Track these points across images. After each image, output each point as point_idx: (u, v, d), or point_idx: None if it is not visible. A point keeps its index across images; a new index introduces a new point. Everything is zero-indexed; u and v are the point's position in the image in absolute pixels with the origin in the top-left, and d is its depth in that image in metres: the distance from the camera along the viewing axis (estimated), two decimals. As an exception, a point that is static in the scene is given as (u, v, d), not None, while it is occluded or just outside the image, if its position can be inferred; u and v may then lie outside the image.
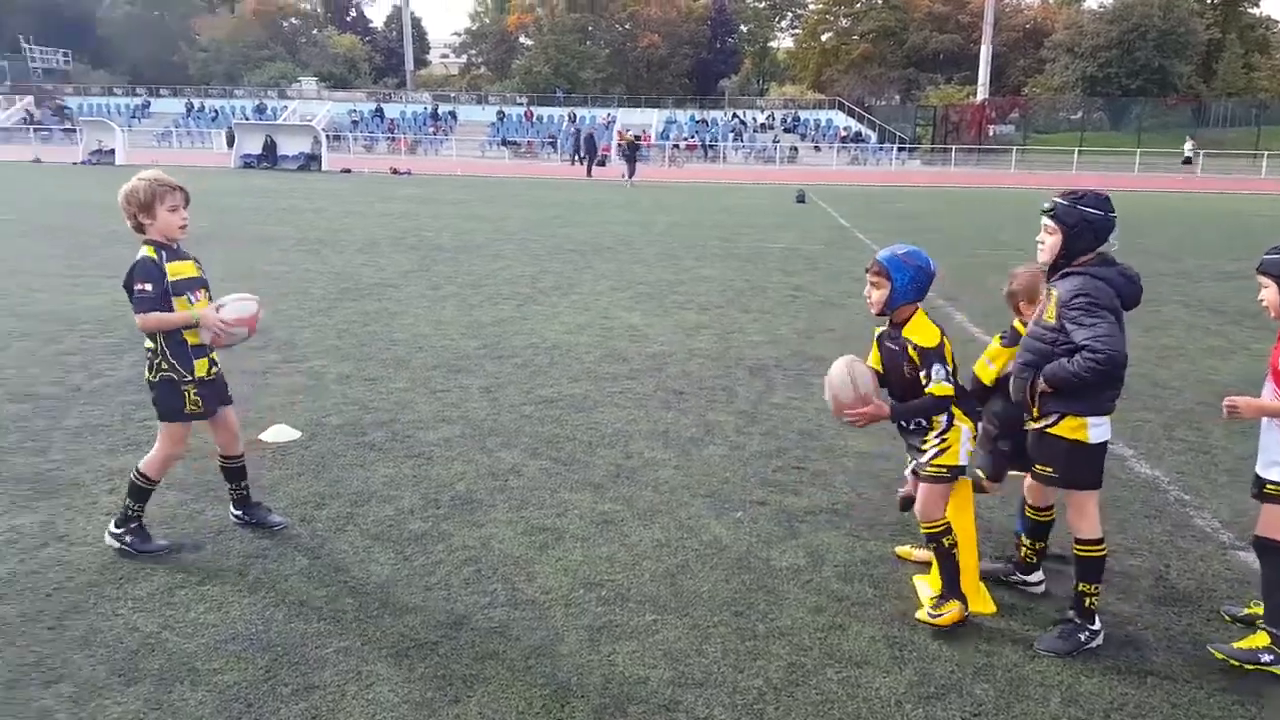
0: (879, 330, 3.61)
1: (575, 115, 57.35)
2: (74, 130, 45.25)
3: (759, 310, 9.55)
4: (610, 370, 7.04)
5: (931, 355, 3.28)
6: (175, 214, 3.66)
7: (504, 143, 54.23)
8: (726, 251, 14.51)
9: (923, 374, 3.30)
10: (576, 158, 46.38)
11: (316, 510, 4.30)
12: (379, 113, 58.87)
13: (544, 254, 13.66)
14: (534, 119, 58.57)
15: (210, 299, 3.79)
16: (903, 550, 3.99)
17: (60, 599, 3.47)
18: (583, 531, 4.18)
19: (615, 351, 7.65)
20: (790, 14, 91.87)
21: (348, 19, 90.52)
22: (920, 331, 3.35)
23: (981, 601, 3.60)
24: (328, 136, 44.11)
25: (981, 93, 60.21)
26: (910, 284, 3.33)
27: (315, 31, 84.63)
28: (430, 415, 5.78)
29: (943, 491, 3.42)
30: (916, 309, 3.40)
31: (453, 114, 59.59)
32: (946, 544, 3.39)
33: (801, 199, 25.47)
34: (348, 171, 36.42)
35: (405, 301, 9.58)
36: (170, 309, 3.63)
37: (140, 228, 3.67)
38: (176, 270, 3.67)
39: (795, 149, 53.51)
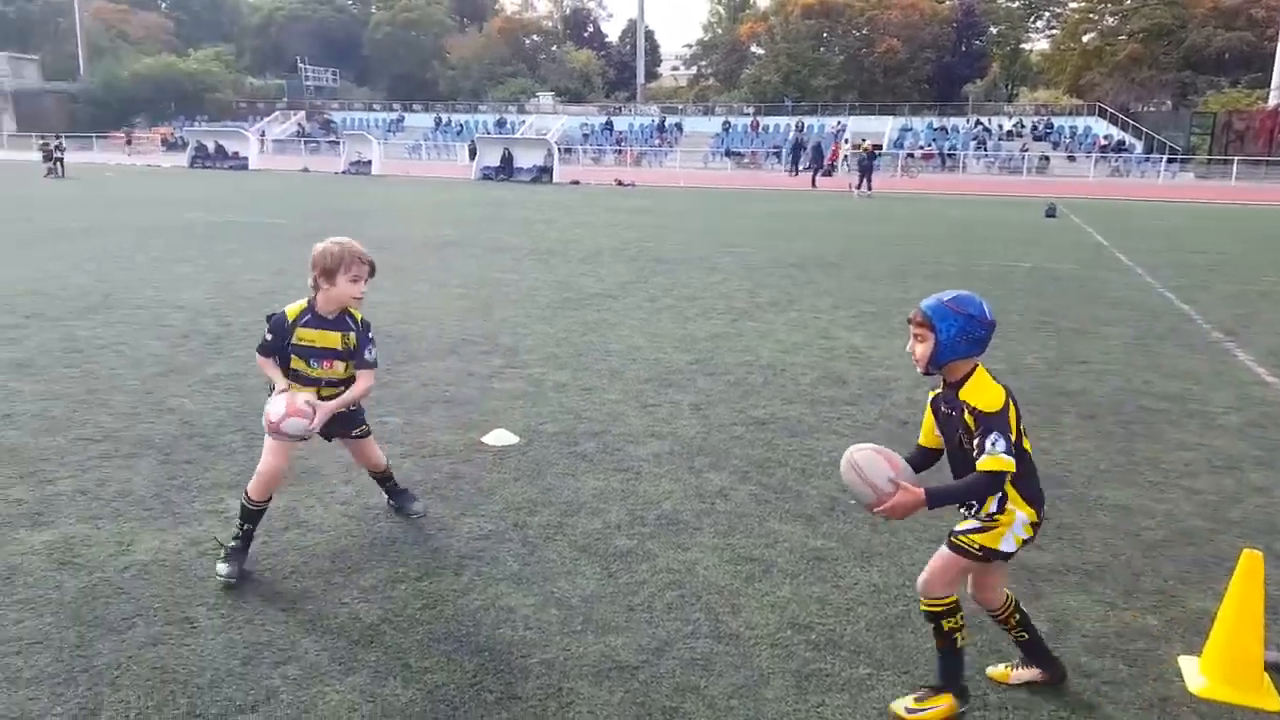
0: (933, 393, 3.03)
1: (803, 124, 56.83)
2: (337, 143, 50.77)
3: (1000, 336, 8.83)
4: (828, 394, 6.80)
5: (992, 422, 2.74)
6: (355, 285, 3.74)
7: (728, 153, 54.70)
8: (965, 269, 13.69)
9: (976, 443, 2.76)
10: (799, 167, 45.90)
11: (530, 516, 4.44)
12: (608, 125, 61.39)
13: (762, 268, 13.54)
14: (760, 129, 58.65)
15: (346, 367, 3.87)
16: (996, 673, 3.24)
17: (294, 583, 3.79)
18: (792, 566, 4.02)
19: (834, 373, 7.39)
20: (1048, 13, 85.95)
21: (585, 34, 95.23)
22: (981, 393, 2.80)
23: (1266, 696, 3.07)
24: (560, 149, 46.49)
25: (1274, 97, 53.22)
26: (959, 335, 2.81)
27: (554, 48, 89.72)
28: (640, 429, 5.83)
29: (962, 568, 2.96)
30: (975, 366, 2.88)
31: (678, 125, 60.98)
32: (947, 627, 2.96)
33: (1052, 213, 23.64)
34: (576, 183, 38.20)
35: (622, 312, 9.81)
36: (283, 363, 3.84)
37: (315, 286, 3.77)
38: (313, 338, 3.79)
39: (1046, 159, 49.92)
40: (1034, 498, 2.90)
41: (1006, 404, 2.78)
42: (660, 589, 3.78)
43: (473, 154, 43.44)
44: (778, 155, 53.57)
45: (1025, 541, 2.90)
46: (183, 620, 3.47)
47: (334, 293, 3.73)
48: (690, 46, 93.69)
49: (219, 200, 25.25)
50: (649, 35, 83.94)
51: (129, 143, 58.87)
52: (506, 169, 40.16)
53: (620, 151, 56.22)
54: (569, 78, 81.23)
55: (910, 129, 57.02)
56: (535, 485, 4.86)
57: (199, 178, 38.06)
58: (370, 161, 42.37)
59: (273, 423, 3.69)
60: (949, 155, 51.66)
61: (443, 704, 2.99)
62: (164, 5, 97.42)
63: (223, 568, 3.75)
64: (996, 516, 2.87)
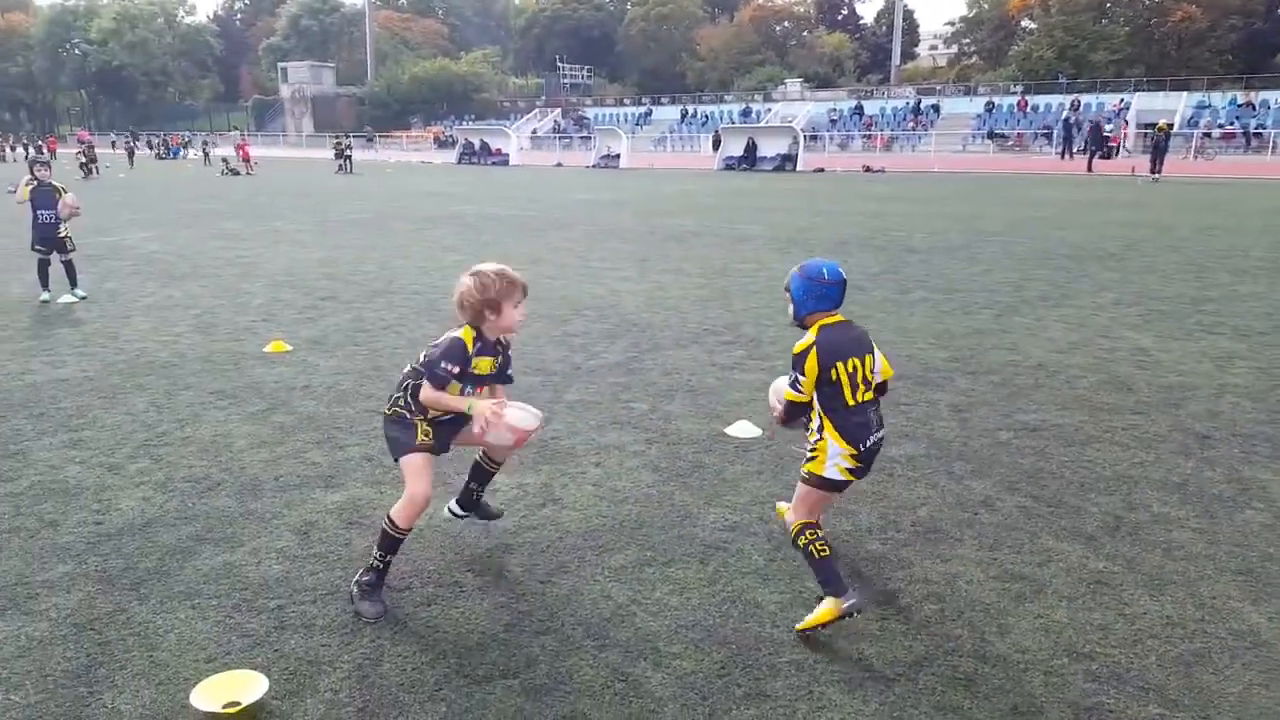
0: None
1: (1078, 103, 52.12)
2: (589, 138, 53.16)
3: (1327, 342, 7.65)
4: (1110, 400, 6.16)
5: (793, 362, 3.42)
6: (518, 310, 3.60)
7: (990, 135, 51.34)
8: (1278, 265, 11.94)
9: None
10: (1074, 149, 42.14)
11: (774, 512, 4.39)
12: (858, 110, 59.63)
13: (1030, 259, 12.55)
14: (1028, 108, 54.52)
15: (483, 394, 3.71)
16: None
17: (550, 557, 3.98)
18: (1069, 589, 3.67)
19: (1118, 378, 6.69)
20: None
21: (838, 18, 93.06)
22: (799, 342, 3.43)
23: None
24: (805, 136, 45.82)
25: None
26: (806, 295, 3.45)
27: (805, 33, 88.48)
28: (893, 428, 5.57)
29: (813, 496, 3.47)
30: (821, 319, 3.44)
31: (935, 108, 58.04)
32: (802, 543, 3.39)
33: (1397, 199, 20.04)
34: (820, 171, 37.47)
35: (871, 305, 9.47)
36: (415, 392, 3.59)
37: (480, 317, 3.55)
38: (480, 366, 3.62)
39: (1389, 134, 42.36)
40: (850, 435, 3.37)
41: (808, 349, 3.36)
42: (918, 600, 3.59)
43: (717, 144, 43.86)
44: (1048, 137, 49.54)
45: (850, 472, 3.41)
46: (452, 584, 3.76)
47: (502, 322, 3.57)
48: (952, 24, 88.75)
49: (483, 194, 27.27)
50: (907, 15, 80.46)
51: (370, 140, 64.19)
52: (749, 158, 40.16)
53: (869, 137, 54.47)
54: (819, 63, 79.79)
55: (1208, 105, 50.54)
56: (779, 480, 4.79)
57: (466, 173, 41.34)
58: (619, 155, 43.98)
59: (527, 430, 3.66)
60: (1255, 134, 45.24)
61: (692, 691, 3.01)
62: (441, 12, 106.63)
63: (367, 609, 3.49)
64: (815, 446, 3.43)
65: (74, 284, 9.87)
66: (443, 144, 66.16)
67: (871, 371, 3.44)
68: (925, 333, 8.17)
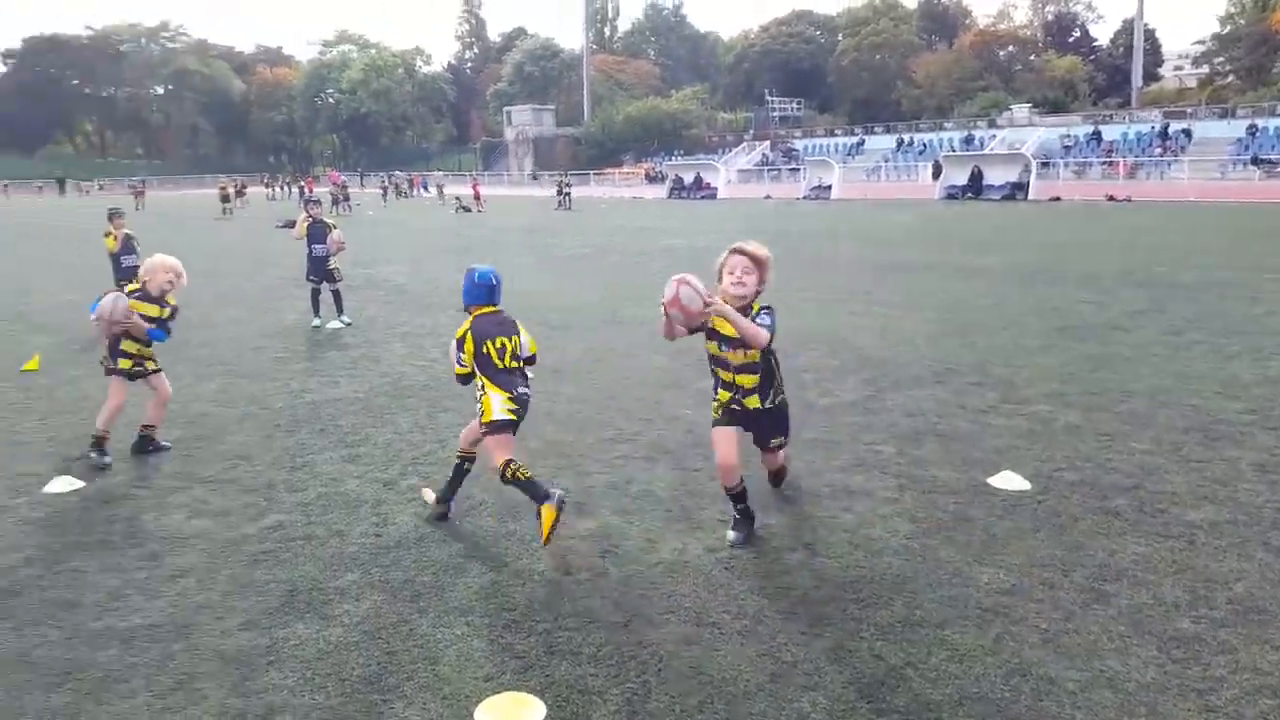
0: None
1: (1367, 122, 45.88)
2: (797, 169, 52.79)
3: None
4: None
5: (456, 343, 4.56)
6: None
7: (1254, 161, 46.18)
8: None
9: None
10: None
11: (1062, 577, 4.00)
12: (1096, 135, 55.53)
13: (1327, 300, 11.05)
14: (1301, 131, 48.58)
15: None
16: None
17: (809, 607, 3.82)
18: None
19: None
20: None
21: (1069, 40, 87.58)
22: (460, 326, 4.58)
23: None
24: (1036, 164, 43.22)
25: None
26: (467, 291, 4.69)
27: (1032, 57, 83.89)
28: (1186, 490, 4.99)
29: (493, 442, 4.47)
30: (475, 311, 4.61)
31: (1186, 132, 53.02)
32: (508, 474, 4.36)
33: None
34: (1056, 199, 35.13)
35: (1139, 346, 8.64)
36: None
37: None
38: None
39: None
40: (503, 385, 4.47)
41: (465, 335, 4.49)
42: (1248, 693, 3.13)
43: (937, 173, 42.26)
44: (1326, 161, 43.87)
45: (512, 413, 4.48)
46: (711, 624, 3.69)
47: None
48: (1202, 43, 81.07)
49: (692, 227, 27.69)
50: (1148, 34, 74.34)
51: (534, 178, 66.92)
52: (975, 186, 38.37)
53: (1110, 164, 50.52)
54: (1049, 87, 75.20)
55: None
56: (1059, 540, 4.39)
57: (675, 207, 42.24)
58: (830, 186, 43.40)
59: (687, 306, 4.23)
60: None
61: (988, 773, 2.76)
62: (653, 53, 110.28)
63: (732, 535, 4.49)
64: (482, 402, 4.49)
65: (340, 311, 10.86)
66: (653, 179, 67.99)
67: (519, 348, 4.60)
68: (1209, 380, 7.32)
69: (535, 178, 77.79)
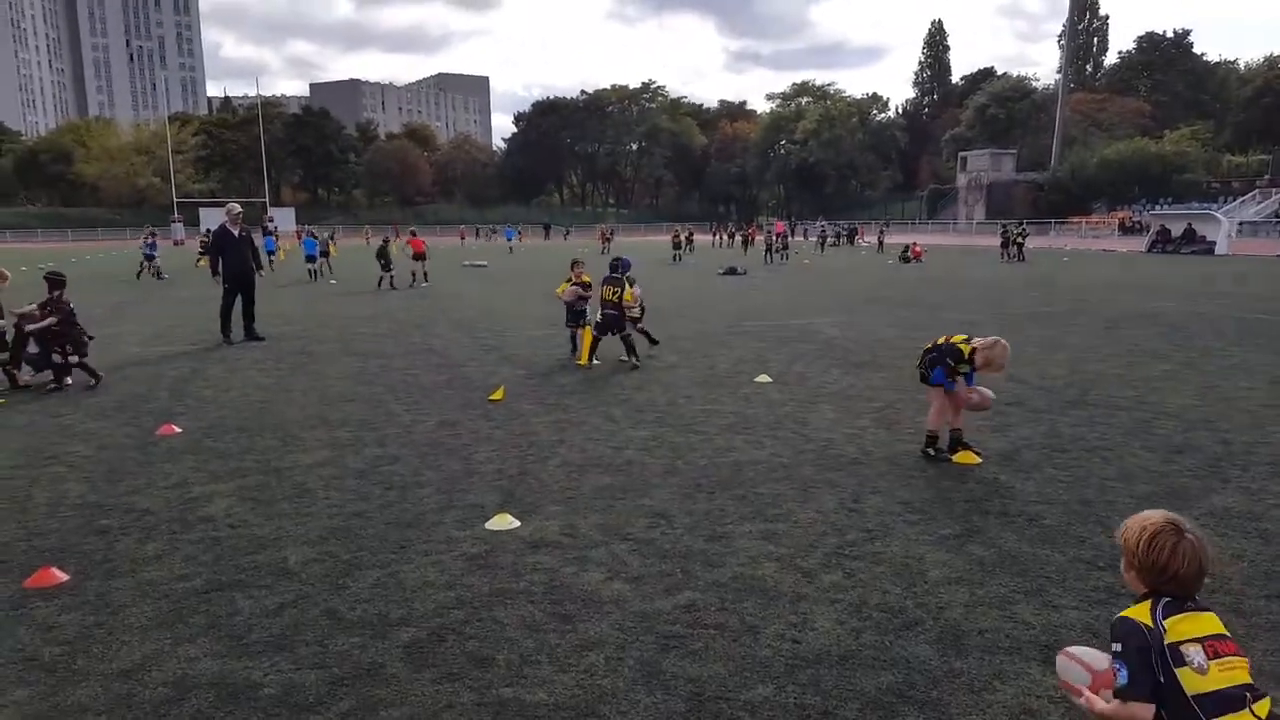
0: None
1: None
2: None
3: None
4: None
5: None
6: None
7: None
8: None
9: None
10: None
11: None
12: None
13: None
14: None
15: None
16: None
17: None
18: None
19: None
20: None
21: None
22: None
23: None
24: None
25: None
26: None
27: None
28: None
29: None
30: None
31: None
32: None
33: None
34: None
35: None
36: None
37: None
38: None
39: None
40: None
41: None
42: None
43: None
44: None
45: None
46: None
47: None
48: None
49: (1182, 287, 23.75)
50: None
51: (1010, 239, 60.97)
52: None
53: None
54: None
55: None
56: None
57: (1156, 263, 36.94)
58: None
59: None
60: None
61: None
62: (1143, 89, 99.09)
63: None
64: None
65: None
66: (1128, 230, 60.63)
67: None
68: None
69: (983, 224, 73.70)
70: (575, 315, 12.58)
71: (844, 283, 27.34)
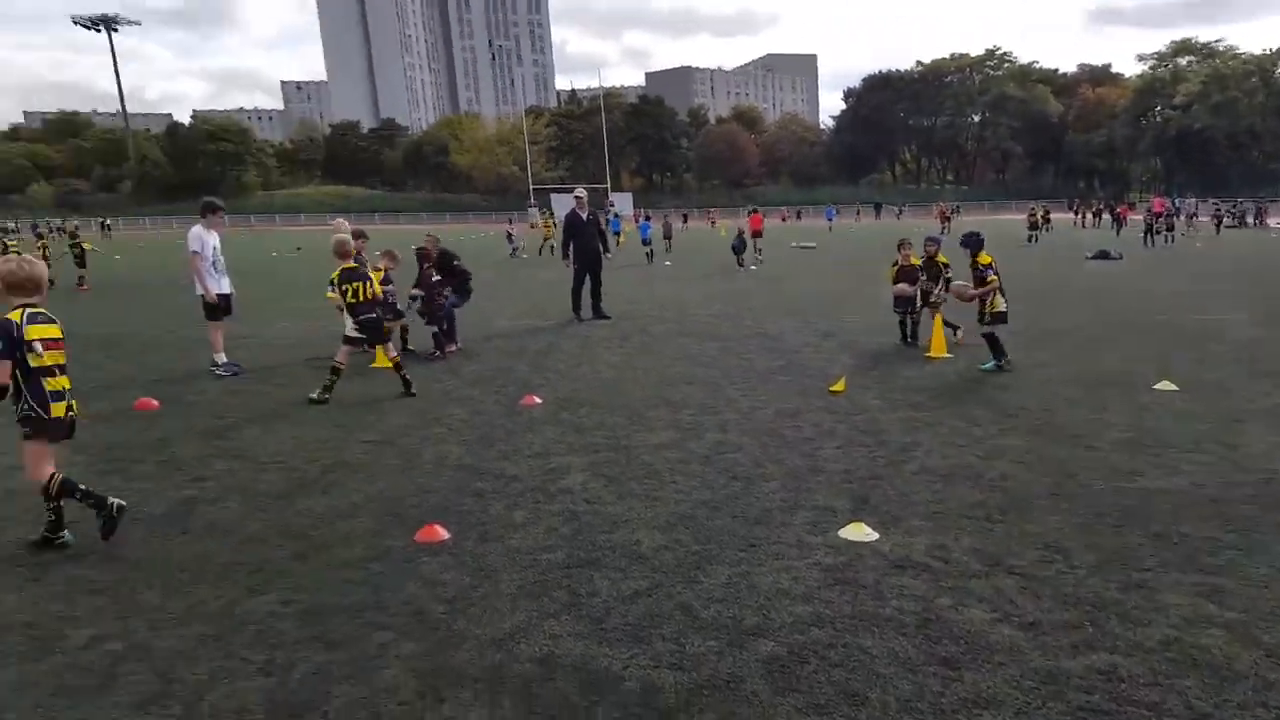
0: None
1: None
2: None
3: None
4: None
5: None
6: None
7: None
8: None
9: None
10: None
11: None
12: None
13: None
14: None
15: None
16: None
17: None
18: None
19: None
20: None
21: None
22: None
23: None
24: None
25: None
26: None
27: None
28: None
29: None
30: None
31: None
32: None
33: None
34: None
35: None
36: None
37: None
38: None
39: None
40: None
41: None
42: None
43: None
44: None
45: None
46: None
47: None
48: None
49: None
50: None
51: None
52: None
53: None
54: None
55: None
56: None
57: None
58: None
59: None
60: None
61: None
62: None
63: None
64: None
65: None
66: None
67: None
68: None
69: None
70: (905, 301, 11.92)
71: (1254, 271, 23.25)
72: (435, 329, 11.66)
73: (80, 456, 6.91)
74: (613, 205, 51.70)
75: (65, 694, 3.60)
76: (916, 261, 11.89)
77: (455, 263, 12.21)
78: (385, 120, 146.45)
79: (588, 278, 15.27)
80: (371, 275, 9.53)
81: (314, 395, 8.97)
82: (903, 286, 11.89)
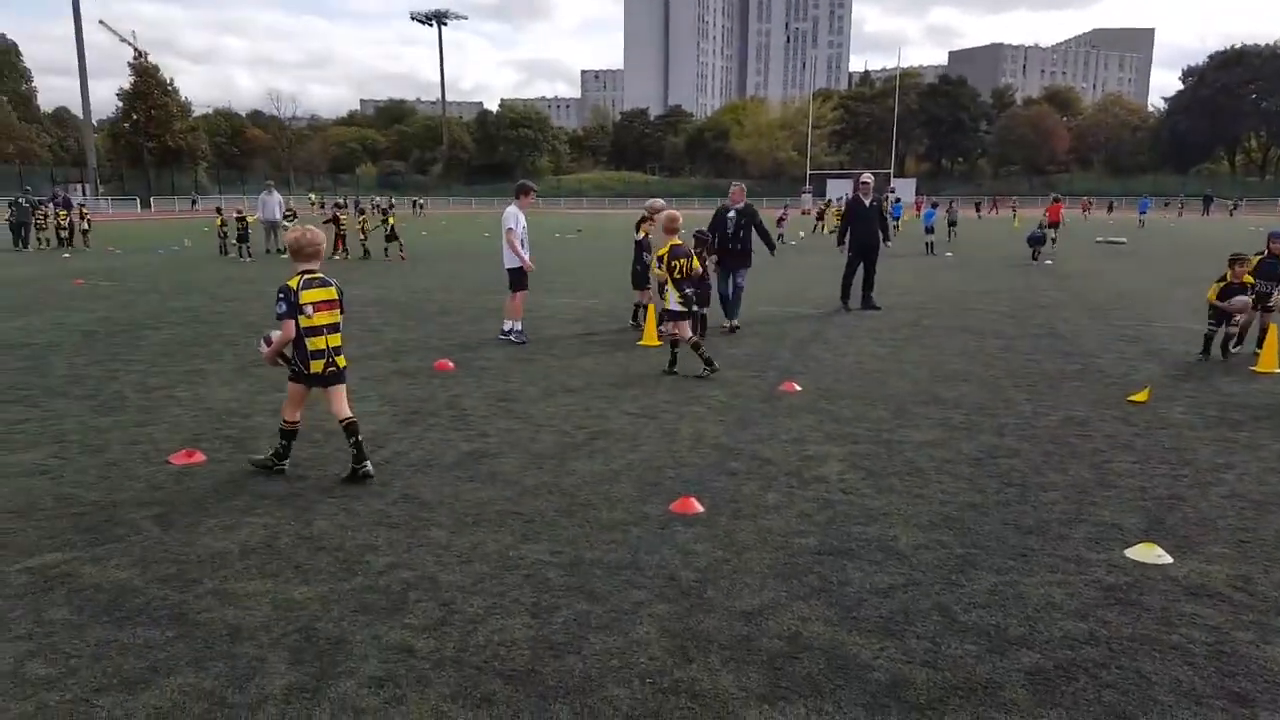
0: None
1: None
2: None
3: None
4: None
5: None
6: None
7: None
8: None
9: None
10: None
11: None
12: None
13: None
14: None
15: None
16: None
17: None
18: None
19: None
20: None
21: None
22: None
23: None
24: None
25: None
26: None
27: None
28: None
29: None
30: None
31: None
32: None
33: None
34: None
35: None
36: None
37: None
38: None
39: None
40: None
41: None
42: None
43: None
44: None
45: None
46: None
47: None
48: None
49: None
50: None
51: None
52: None
53: None
54: None
55: None
56: None
57: None
58: None
59: None
60: None
61: None
62: None
63: None
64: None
65: None
66: None
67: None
68: None
69: None
70: (1223, 314, 10.37)
71: None
72: (703, 311, 11.91)
73: (389, 408, 7.86)
74: (893, 191, 49.95)
75: (365, 611, 4.12)
76: (1250, 281, 10.23)
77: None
78: (672, 107, 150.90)
79: (861, 266, 14.93)
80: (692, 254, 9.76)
81: (700, 370, 9.32)
82: (1242, 299, 10.22)
